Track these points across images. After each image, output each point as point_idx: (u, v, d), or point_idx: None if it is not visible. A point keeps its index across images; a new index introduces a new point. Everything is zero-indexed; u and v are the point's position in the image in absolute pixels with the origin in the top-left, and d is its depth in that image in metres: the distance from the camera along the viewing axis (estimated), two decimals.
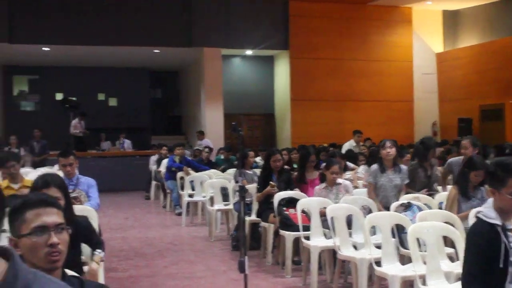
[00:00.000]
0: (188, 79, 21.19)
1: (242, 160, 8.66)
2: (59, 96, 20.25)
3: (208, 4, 17.46)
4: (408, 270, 4.94)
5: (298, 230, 6.54)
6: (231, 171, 11.41)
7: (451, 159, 7.76)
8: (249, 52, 19.14)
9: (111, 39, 16.74)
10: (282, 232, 6.98)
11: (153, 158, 15.33)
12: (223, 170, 12.27)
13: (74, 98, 19.38)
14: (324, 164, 8.12)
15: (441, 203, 6.49)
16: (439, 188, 7.51)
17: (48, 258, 2.41)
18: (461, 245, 4.69)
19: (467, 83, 18.74)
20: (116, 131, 19.16)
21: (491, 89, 17.68)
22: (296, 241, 6.88)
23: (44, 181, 4.08)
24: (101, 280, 4.44)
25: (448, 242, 5.20)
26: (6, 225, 2.57)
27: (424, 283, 4.54)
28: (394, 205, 6.23)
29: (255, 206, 8.12)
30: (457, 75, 19.30)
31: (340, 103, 18.77)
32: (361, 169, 10.02)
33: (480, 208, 3.14)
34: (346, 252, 5.78)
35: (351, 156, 11.26)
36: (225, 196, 9.75)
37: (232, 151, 14.95)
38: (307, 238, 6.41)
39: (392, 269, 5.05)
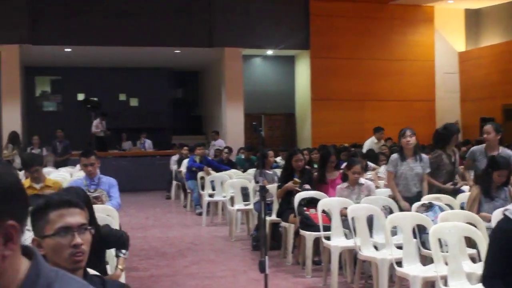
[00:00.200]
0: (209, 79, 21.24)
1: (262, 160, 8.67)
2: (80, 97, 20.39)
3: (229, 4, 17.47)
4: (429, 271, 4.91)
5: (318, 230, 6.53)
6: (251, 171, 11.42)
7: (473, 147, 7.57)
8: (269, 52, 19.13)
9: (132, 39, 16.82)
10: (302, 232, 6.97)
11: (174, 158, 15.37)
12: (244, 170, 12.27)
13: (95, 99, 19.52)
14: (344, 164, 8.09)
15: (463, 203, 6.43)
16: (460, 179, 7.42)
17: (72, 259, 2.43)
18: (483, 246, 4.64)
19: (490, 82, 18.55)
20: (137, 131, 19.25)
21: None
22: (317, 241, 6.86)
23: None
24: (122, 279, 4.46)
25: (470, 243, 5.15)
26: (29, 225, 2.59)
27: (445, 284, 4.51)
28: (415, 205, 6.17)
29: (275, 206, 8.12)
30: (480, 74, 19.11)
31: (361, 103, 18.69)
32: (382, 169, 9.96)
33: (509, 206, 3.09)
34: (366, 252, 5.75)
35: (372, 156, 11.22)
36: (245, 196, 9.75)
37: (253, 151, 14.95)
38: (328, 238, 6.39)
39: (413, 269, 5.01)
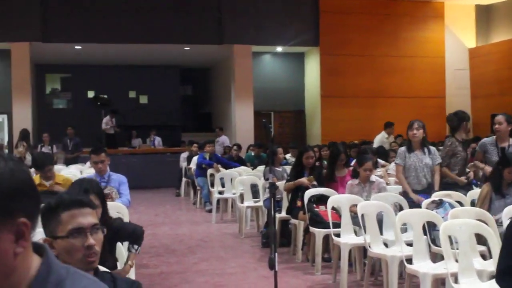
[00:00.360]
0: (219, 76, 21.24)
1: (271, 157, 8.66)
2: (90, 94, 20.47)
3: (238, 1, 17.47)
4: (439, 268, 4.89)
5: (328, 227, 6.52)
6: (261, 168, 11.42)
7: (484, 139, 7.55)
8: (279, 49, 19.13)
9: (142, 37, 16.85)
10: (312, 229, 6.96)
11: (184, 155, 15.39)
12: (254, 167, 12.27)
13: (105, 96, 19.59)
14: (354, 161, 8.08)
15: (473, 200, 6.41)
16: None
17: (85, 260, 2.43)
18: (493, 243, 4.63)
19: (500, 79, 18.44)
20: (147, 128, 19.29)
21: None
22: (326, 238, 6.86)
23: (83, 189, 4.03)
24: (132, 276, 4.47)
25: (480, 240, 5.13)
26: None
27: (456, 281, 4.49)
28: (425, 202, 6.15)
29: (285, 203, 8.12)
30: (490, 71, 19.01)
31: (371, 100, 18.63)
32: (392, 166, 9.93)
33: None
34: (376, 249, 5.74)
35: (382, 152, 11.19)
36: (255, 193, 9.76)
37: (263, 148, 14.94)
38: (337, 235, 6.38)
39: (423, 266, 5.00)
